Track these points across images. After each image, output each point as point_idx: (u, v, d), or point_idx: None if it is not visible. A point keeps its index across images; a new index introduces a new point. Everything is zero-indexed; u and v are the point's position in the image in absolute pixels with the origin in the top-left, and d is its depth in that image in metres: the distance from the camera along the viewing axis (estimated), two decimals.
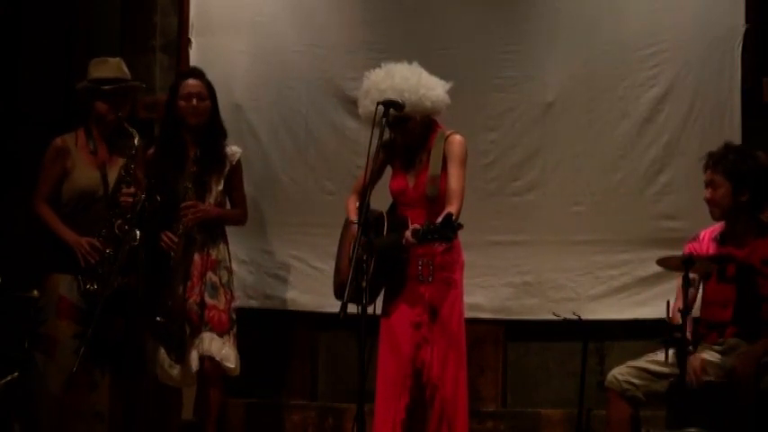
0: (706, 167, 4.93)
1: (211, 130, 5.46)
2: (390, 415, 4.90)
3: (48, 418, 5.11)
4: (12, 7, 6.17)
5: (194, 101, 5.42)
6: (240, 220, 5.62)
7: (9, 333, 5.19)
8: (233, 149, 5.53)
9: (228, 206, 5.55)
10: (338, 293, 5.02)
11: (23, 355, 5.07)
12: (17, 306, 5.18)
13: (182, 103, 5.43)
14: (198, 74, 5.52)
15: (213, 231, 5.43)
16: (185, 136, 5.45)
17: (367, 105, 4.94)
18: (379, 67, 5.03)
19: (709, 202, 4.93)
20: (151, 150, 5.49)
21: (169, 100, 5.51)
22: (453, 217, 4.64)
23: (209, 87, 5.48)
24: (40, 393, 5.10)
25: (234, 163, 5.50)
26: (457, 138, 5.02)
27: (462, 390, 4.96)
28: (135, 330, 4.88)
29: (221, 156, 5.46)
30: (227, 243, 5.51)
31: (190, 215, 5.32)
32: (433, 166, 4.95)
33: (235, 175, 5.52)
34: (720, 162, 4.88)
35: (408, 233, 4.73)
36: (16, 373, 5.12)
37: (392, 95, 4.84)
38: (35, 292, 5.14)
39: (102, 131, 5.28)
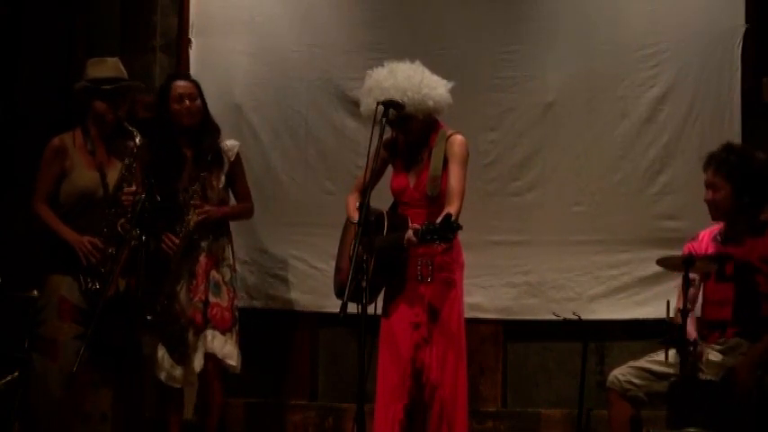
0: (706, 168, 4.91)
1: (205, 128, 5.46)
2: (390, 415, 4.90)
3: (48, 419, 5.10)
4: (12, 7, 6.17)
5: (186, 102, 5.42)
6: (247, 213, 5.62)
7: (9, 333, 5.19)
8: (229, 144, 5.53)
9: (233, 201, 5.56)
10: (339, 293, 5.02)
11: (23, 355, 5.07)
12: (17, 306, 5.17)
13: (174, 105, 5.43)
14: (185, 75, 5.58)
15: (216, 230, 5.43)
16: (179, 138, 5.45)
17: (369, 103, 4.94)
18: (382, 65, 5.04)
19: (710, 203, 4.91)
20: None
21: (160, 103, 5.50)
22: (453, 217, 4.64)
23: (197, 87, 5.50)
24: (41, 394, 5.08)
25: (233, 158, 5.50)
26: (458, 138, 5.02)
27: (462, 390, 4.96)
28: (135, 330, 4.86)
29: (218, 153, 5.46)
30: (230, 241, 5.51)
31: (194, 216, 5.32)
32: (434, 166, 4.95)
33: (236, 170, 5.53)
34: (722, 164, 4.85)
35: (409, 233, 4.73)
36: (16, 373, 5.12)
37: (395, 94, 4.84)
38: (35, 292, 5.14)
39: (100, 131, 5.25)
